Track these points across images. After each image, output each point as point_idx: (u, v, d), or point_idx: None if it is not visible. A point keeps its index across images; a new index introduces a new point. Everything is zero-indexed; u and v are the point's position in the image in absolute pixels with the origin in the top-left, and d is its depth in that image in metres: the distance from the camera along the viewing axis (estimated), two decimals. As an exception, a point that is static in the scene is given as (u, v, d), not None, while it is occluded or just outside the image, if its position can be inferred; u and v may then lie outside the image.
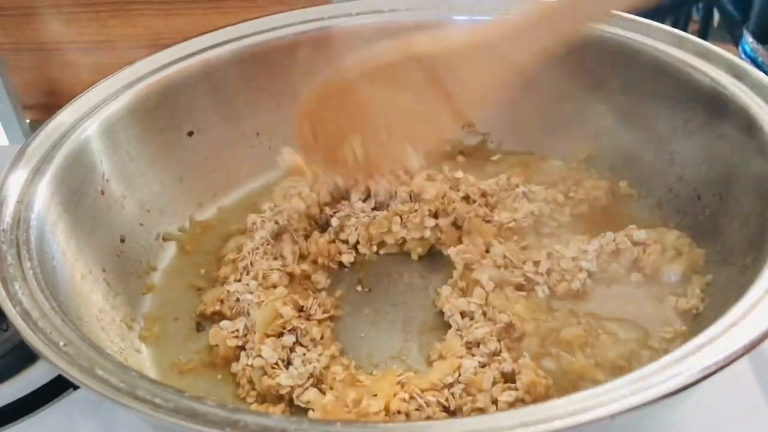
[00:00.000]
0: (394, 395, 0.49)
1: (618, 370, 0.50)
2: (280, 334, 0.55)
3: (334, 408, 0.49)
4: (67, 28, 1.26)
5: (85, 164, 0.60)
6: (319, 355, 0.54)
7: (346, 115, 0.61)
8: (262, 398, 0.53)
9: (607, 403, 0.36)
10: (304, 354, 0.54)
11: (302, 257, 0.63)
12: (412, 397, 0.48)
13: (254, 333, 0.55)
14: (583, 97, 0.68)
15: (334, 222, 0.64)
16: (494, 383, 0.50)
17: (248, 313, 0.57)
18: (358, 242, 0.64)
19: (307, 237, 0.64)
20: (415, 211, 0.63)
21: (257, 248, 0.62)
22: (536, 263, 0.58)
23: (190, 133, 0.70)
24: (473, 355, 0.52)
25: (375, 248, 0.64)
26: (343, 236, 0.64)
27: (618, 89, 0.67)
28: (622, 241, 0.59)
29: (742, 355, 0.38)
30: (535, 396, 0.49)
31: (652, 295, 0.56)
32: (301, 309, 0.57)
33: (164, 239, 0.67)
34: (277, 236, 0.63)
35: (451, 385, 0.50)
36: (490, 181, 0.67)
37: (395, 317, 0.59)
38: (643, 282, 0.58)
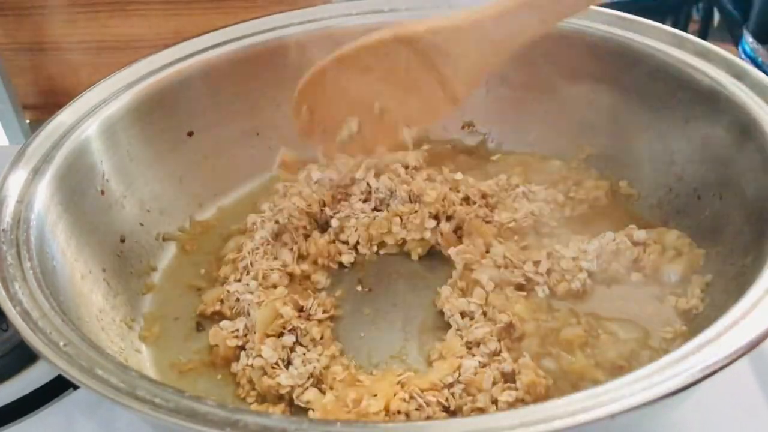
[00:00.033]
0: (394, 395, 0.49)
1: (618, 370, 0.50)
2: (280, 334, 0.55)
3: (334, 408, 0.49)
4: (67, 28, 1.26)
5: (85, 164, 0.60)
6: (319, 355, 0.54)
7: (342, 98, 0.62)
8: (262, 398, 0.53)
9: (607, 403, 0.36)
10: (304, 354, 0.54)
11: (302, 257, 0.63)
12: (412, 397, 0.48)
13: (254, 333, 0.55)
14: (583, 97, 0.68)
15: (334, 223, 0.64)
16: (494, 383, 0.50)
17: (248, 313, 0.57)
18: (358, 243, 0.64)
19: (307, 237, 0.64)
20: (416, 212, 0.63)
21: (257, 248, 0.62)
22: (536, 263, 0.58)
23: (190, 133, 0.70)
24: (473, 355, 0.52)
25: (375, 248, 0.64)
26: (343, 237, 0.64)
27: (618, 89, 0.67)
28: (622, 241, 0.59)
29: (742, 355, 0.38)
30: (535, 396, 0.49)
31: (652, 295, 0.57)
32: (301, 309, 0.57)
33: (164, 239, 0.67)
34: (277, 236, 0.63)
35: (451, 385, 0.50)
36: (490, 181, 0.67)
37: (395, 317, 0.59)
38: (643, 282, 0.58)
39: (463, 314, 0.56)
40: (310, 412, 0.50)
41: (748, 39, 1.26)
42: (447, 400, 0.49)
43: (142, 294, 0.63)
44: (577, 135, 0.71)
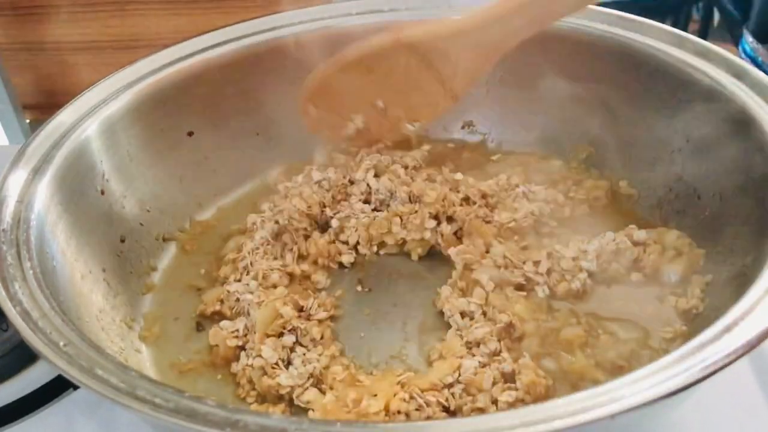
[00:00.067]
0: (394, 395, 0.49)
1: (618, 370, 0.50)
2: (280, 334, 0.55)
3: (334, 408, 0.49)
4: (67, 28, 1.26)
5: (85, 164, 0.60)
6: (319, 355, 0.54)
7: (346, 98, 0.65)
8: (262, 398, 0.53)
9: (607, 403, 0.36)
10: (304, 354, 0.54)
11: (302, 257, 0.63)
12: (412, 397, 0.48)
13: (254, 333, 0.55)
14: (583, 97, 0.68)
15: (334, 223, 0.64)
16: (494, 383, 0.50)
17: (248, 313, 0.57)
18: (358, 243, 0.64)
19: (307, 237, 0.64)
20: (416, 212, 0.63)
21: (257, 248, 0.62)
22: (536, 263, 0.58)
23: (190, 133, 0.70)
24: (473, 355, 0.52)
25: (375, 249, 0.64)
26: (343, 237, 0.64)
27: (618, 89, 0.67)
28: (622, 241, 0.59)
29: (742, 355, 0.38)
30: (535, 396, 0.49)
31: (652, 295, 0.57)
32: (301, 309, 0.57)
33: (164, 239, 0.67)
34: (277, 236, 0.63)
35: (451, 385, 0.50)
36: (490, 181, 0.67)
37: (395, 317, 0.59)
38: (643, 282, 0.58)
39: (463, 314, 0.56)
40: (310, 412, 0.50)
41: (748, 39, 1.26)
42: (447, 400, 0.49)
43: (142, 294, 0.63)
44: (577, 135, 0.71)
